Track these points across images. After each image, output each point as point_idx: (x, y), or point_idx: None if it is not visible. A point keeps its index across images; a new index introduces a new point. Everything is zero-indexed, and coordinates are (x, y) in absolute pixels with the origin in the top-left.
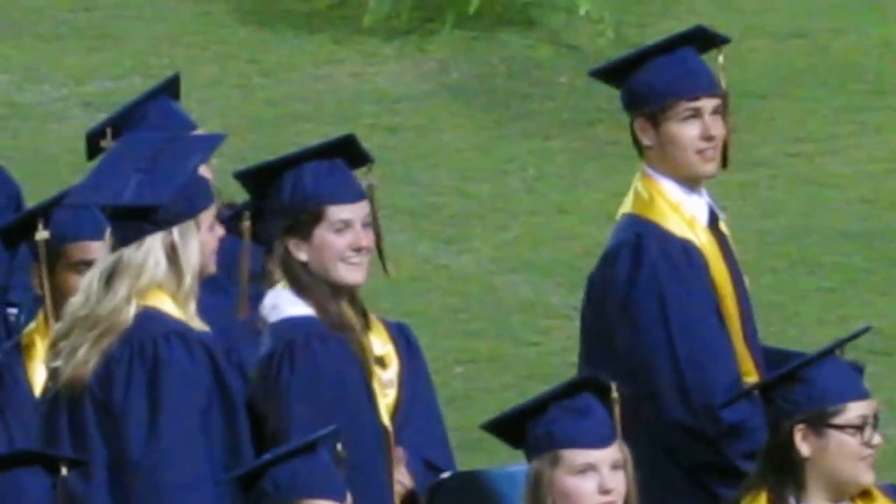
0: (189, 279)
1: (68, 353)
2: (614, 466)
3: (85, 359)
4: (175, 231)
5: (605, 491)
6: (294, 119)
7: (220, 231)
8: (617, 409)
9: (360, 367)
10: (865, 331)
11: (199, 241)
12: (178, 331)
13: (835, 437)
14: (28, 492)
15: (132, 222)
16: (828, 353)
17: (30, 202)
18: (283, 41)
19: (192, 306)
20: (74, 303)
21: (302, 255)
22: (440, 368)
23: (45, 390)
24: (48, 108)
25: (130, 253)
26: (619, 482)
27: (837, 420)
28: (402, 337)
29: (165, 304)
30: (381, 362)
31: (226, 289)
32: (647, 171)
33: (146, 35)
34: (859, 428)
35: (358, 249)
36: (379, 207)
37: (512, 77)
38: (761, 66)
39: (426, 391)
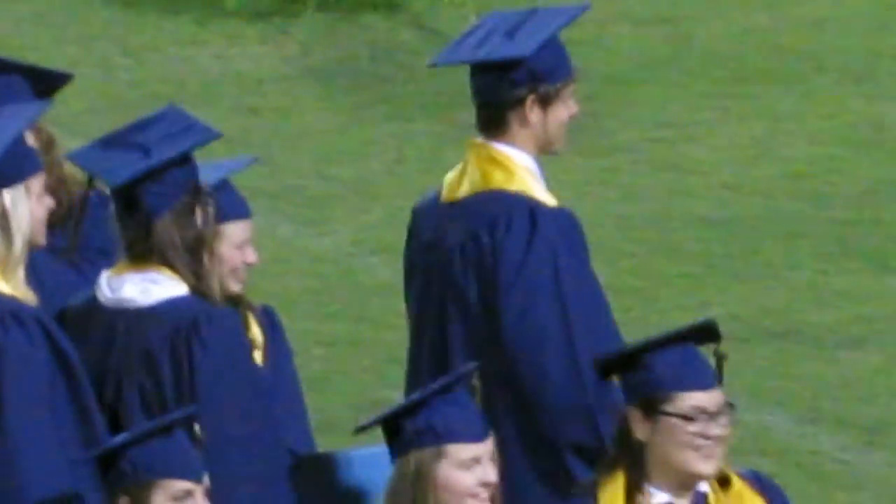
0: (20, 245)
1: None
2: (491, 459)
3: None
4: (5, 195)
5: (485, 483)
6: (157, 100)
7: (49, 201)
8: (478, 399)
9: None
10: (710, 323)
11: (31, 210)
12: (12, 311)
13: (665, 423)
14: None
15: None
16: (667, 340)
17: None
18: (146, 22)
19: (21, 275)
20: None
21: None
22: (300, 350)
23: None
24: None
25: None
26: (494, 474)
27: (668, 407)
28: (267, 320)
29: None
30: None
31: (95, 262)
32: (499, 147)
33: (9, 15)
34: (690, 417)
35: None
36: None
37: (374, 60)
38: (624, 51)
39: (290, 374)
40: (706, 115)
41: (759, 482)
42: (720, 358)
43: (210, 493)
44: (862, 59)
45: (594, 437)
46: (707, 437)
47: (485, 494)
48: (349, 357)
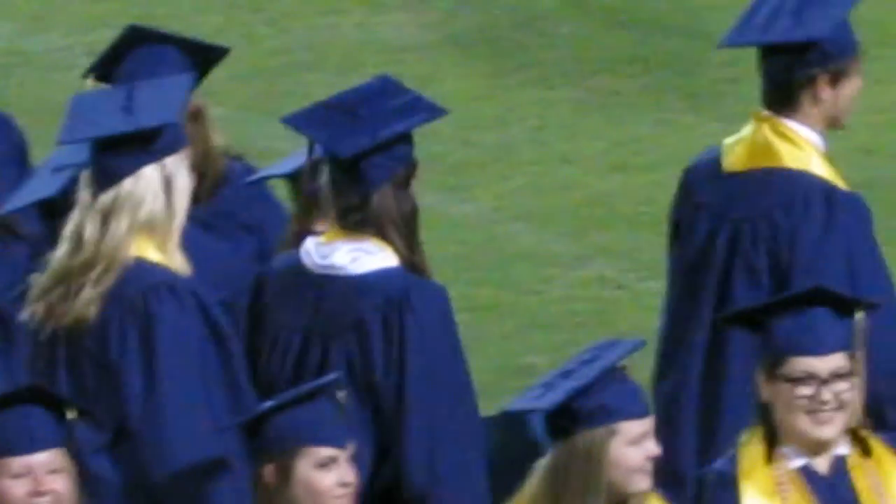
0: (179, 218)
1: (70, 295)
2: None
3: (89, 298)
4: (169, 164)
5: (651, 457)
6: (298, 68)
7: (191, 176)
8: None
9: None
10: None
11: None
12: (167, 282)
13: (781, 386)
14: (36, 428)
15: (127, 154)
16: (789, 302)
17: (34, 151)
18: None
19: (175, 242)
20: (60, 252)
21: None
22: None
23: (37, 331)
24: (53, 56)
25: (127, 188)
26: (656, 447)
27: (782, 370)
28: None
29: (150, 252)
30: None
31: (236, 237)
32: (790, 124)
33: None
34: (800, 381)
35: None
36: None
37: (515, 27)
38: None
39: None
40: None
41: None
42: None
43: (356, 459)
44: None
45: None
46: (820, 402)
47: (650, 468)
48: (493, 322)
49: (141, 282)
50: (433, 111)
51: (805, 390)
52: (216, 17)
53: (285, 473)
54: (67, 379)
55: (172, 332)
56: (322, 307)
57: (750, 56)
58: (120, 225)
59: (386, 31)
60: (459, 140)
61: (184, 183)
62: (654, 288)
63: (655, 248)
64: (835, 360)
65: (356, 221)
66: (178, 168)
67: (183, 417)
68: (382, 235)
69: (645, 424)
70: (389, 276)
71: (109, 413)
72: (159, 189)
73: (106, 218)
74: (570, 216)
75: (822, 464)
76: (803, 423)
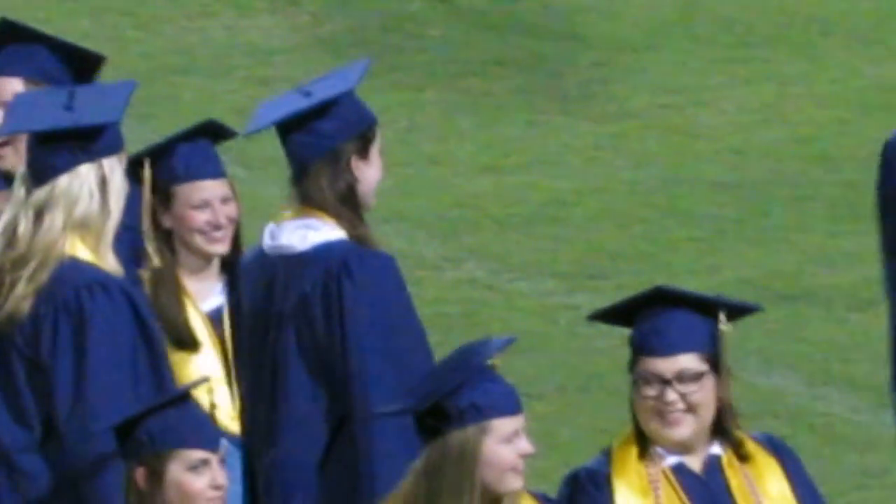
0: (115, 215)
1: (5, 291)
2: (526, 430)
3: (22, 295)
4: (105, 165)
5: (524, 454)
6: (168, 72)
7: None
8: None
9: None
10: (660, 288)
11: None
12: (99, 280)
13: (635, 386)
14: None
15: (65, 151)
16: (648, 299)
17: None
18: None
19: (109, 244)
20: None
21: (358, 174)
22: None
23: None
24: None
25: (63, 184)
26: (530, 444)
27: (635, 370)
28: None
29: (81, 251)
30: None
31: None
32: None
33: None
34: (647, 381)
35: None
36: None
37: (384, 29)
38: (633, 18)
39: None
40: (715, 80)
41: (772, 445)
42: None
43: (223, 462)
44: (869, 22)
45: None
46: (665, 402)
47: (521, 465)
48: None
49: (74, 280)
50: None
51: (650, 391)
52: (85, 21)
53: (157, 476)
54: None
55: (105, 331)
56: (274, 288)
57: (619, 57)
58: (55, 221)
59: (255, 33)
60: None
61: (119, 184)
62: (525, 289)
63: (525, 249)
64: (682, 362)
65: (299, 199)
66: (115, 169)
67: (111, 417)
68: (325, 211)
69: (516, 422)
70: (331, 248)
71: (39, 410)
72: (95, 188)
73: (40, 213)
74: (439, 218)
75: (695, 463)
76: (653, 423)
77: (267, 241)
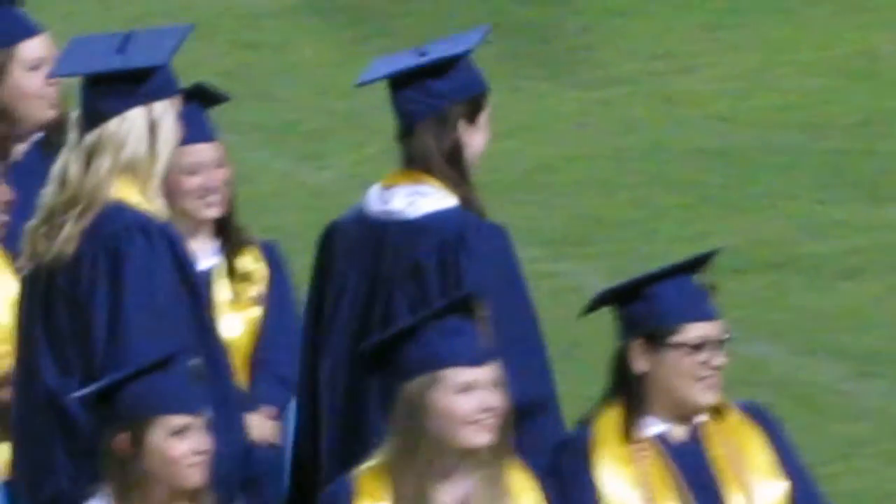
0: (163, 159)
1: (54, 233)
2: (494, 384)
3: (69, 236)
4: (156, 108)
5: (486, 408)
6: None
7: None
8: (487, 330)
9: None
10: (712, 254)
11: (176, 133)
12: (140, 223)
13: (670, 355)
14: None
15: (115, 95)
16: (671, 272)
17: None
18: None
19: (156, 187)
20: (48, 192)
21: (466, 137)
22: (298, 284)
23: (24, 267)
24: None
25: (112, 128)
26: (498, 400)
27: (673, 339)
28: (271, 256)
29: (131, 195)
30: (249, 278)
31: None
32: None
33: None
34: (696, 348)
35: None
36: None
37: None
38: None
39: (290, 310)
40: (701, 46)
41: (755, 413)
42: (712, 288)
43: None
44: None
45: None
46: (711, 367)
47: (488, 420)
48: None
49: (116, 222)
50: (472, 40)
51: (700, 357)
52: None
53: (138, 442)
54: (41, 317)
55: (141, 273)
56: (383, 253)
57: (605, 23)
58: (102, 164)
59: None
60: (315, 107)
61: (169, 128)
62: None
63: (510, 216)
64: (720, 324)
65: (405, 160)
66: (165, 114)
67: (146, 360)
68: (431, 173)
69: (474, 373)
70: (445, 218)
71: (79, 355)
72: (144, 132)
73: (90, 157)
74: None
75: (678, 432)
76: (694, 389)
77: (376, 205)
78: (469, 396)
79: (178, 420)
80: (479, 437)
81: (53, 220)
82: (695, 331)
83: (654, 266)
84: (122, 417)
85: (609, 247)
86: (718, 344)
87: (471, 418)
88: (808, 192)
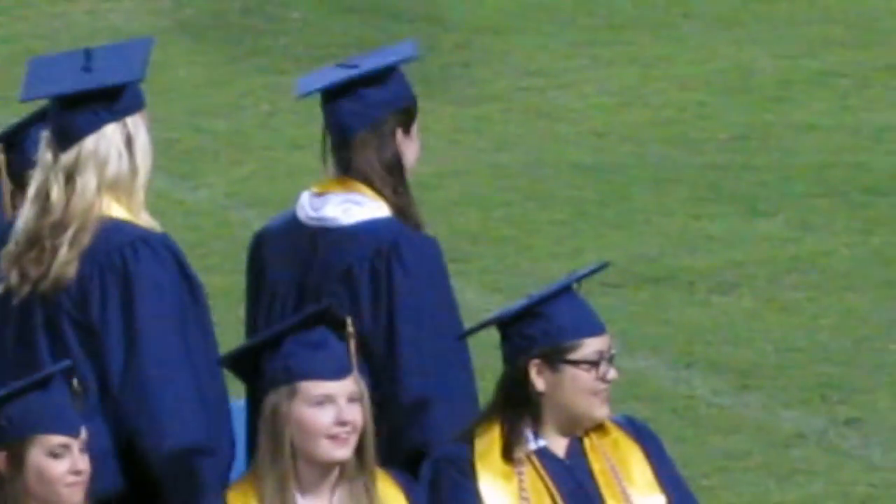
0: (143, 173)
1: (46, 259)
2: (350, 399)
3: (67, 259)
4: (130, 123)
5: (341, 422)
6: (29, 56)
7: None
8: (352, 343)
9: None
10: (603, 266)
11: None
12: (142, 236)
13: (569, 372)
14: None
15: (89, 113)
16: (564, 289)
17: None
18: None
19: (142, 200)
20: (28, 214)
21: (402, 148)
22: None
23: (9, 298)
24: None
25: (90, 146)
26: (356, 414)
27: (572, 356)
28: None
29: (117, 211)
30: None
31: None
32: None
33: None
34: (594, 363)
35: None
36: None
37: (246, 13)
38: (495, 1)
39: None
40: (576, 62)
41: (633, 428)
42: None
43: (88, 447)
44: (730, 4)
45: None
46: (606, 381)
47: (344, 434)
48: (227, 309)
49: (116, 238)
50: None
51: (597, 372)
52: None
53: (17, 461)
54: (47, 343)
55: (151, 286)
56: (315, 260)
57: (480, 40)
58: (88, 183)
59: (117, 17)
60: (191, 126)
61: (144, 142)
62: None
63: None
64: (609, 338)
65: (341, 170)
66: (139, 127)
67: (165, 376)
68: (370, 184)
69: (333, 387)
70: (380, 226)
71: (93, 375)
72: (123, 148)
73: (71, 177)
74: None
75: (560, 447)
76: (591, 404)
77: (307, 212)
78: (326, 410)
79: (56, 440)
80: (337, 450)
81: (41, 244)
82: (592, 346)
83: (530, 282)
84: (2, 436)
85: (485, 263)
86: (611, 358)
87: (328, 431)
88: (684, 206)
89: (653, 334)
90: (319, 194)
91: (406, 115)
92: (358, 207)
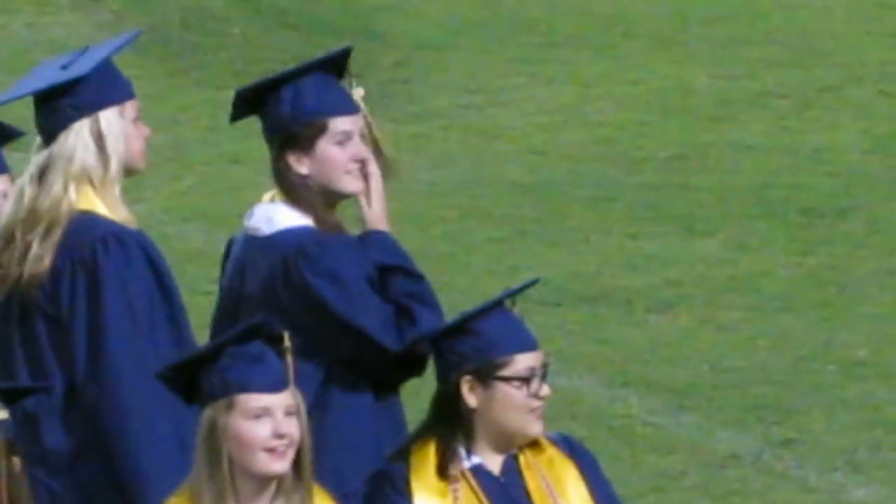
0: (115, 165)
1: (19, 255)
2: (288, 412)
3: (39, 254)
4: (101, 117)
5: (278, 435)
6: None
7: (145, 130)
8: (289, 357)
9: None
10: (534, 283)
11: (126, 133)
12: (114, 232)
13: (501, 388)
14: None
15: (59, 111)
16: (495, 305)
17: None
18: None
19: (118, 194)
20: (5, 212)
21: (303, 169)
22: None
23: None
24: None
25: (59, 145)
26: (293, 427)
27: (504, 372)
28: None
29: (98, 206)
30: None
31: None
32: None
33: None
34: (526, 380)
35: (360, 161)
36: (371, 117)
37: (186, 27)
38: (434, 18)
39: None
40: (515, 80)
41: (568, 446)
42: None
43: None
44: (670, 24)
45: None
46: (540, 398)
47: (281, 447)
48: None
49: (89, 233)
50: None
51: (530, 388)
52: None
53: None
54: (19, 338)
55: (119, 284)
56: (245, 269)
57: (420, 57)
58: (55, 179)
59: (57, 30)
60: None
61: (117, 134)
62: None
63: None
64: (542, 354)
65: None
66: (113, 121)
67: (130, 373)
68: (286, 194)
69: (269, 399)
70: (293, 234)
71: (62, 369)
72: (89, 140)
73: (43, 173)
74: (239, 217)
75: (494, 464)
76: (525, 421)
77: (246, 221)
78: (263, 423)
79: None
80: (274, 464)
81: (15, 241)
82: (523, 362)
83: (468, 299)
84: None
85: None
86: (543, 374)
87: (266, 444)
88: (621, 225)
89: (589, 353)
90: (256, 205)
91: (294, 139)
92: (278, 216)
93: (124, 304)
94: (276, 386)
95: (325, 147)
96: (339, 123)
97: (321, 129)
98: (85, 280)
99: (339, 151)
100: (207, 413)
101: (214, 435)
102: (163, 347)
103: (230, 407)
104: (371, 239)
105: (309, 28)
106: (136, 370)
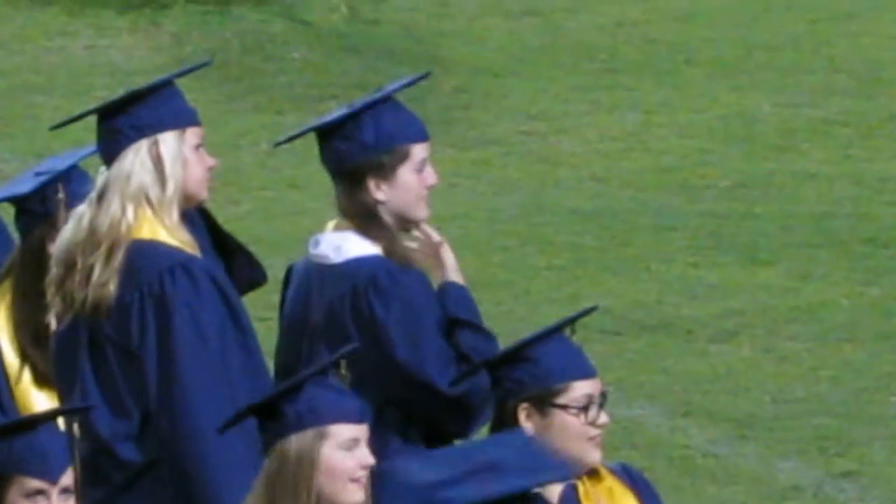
0: (172, 186)
1: (81, 279)
2: (367, 443)
3: (102, 280)
4: (160, 139)
5: (364, 466)
6: (27, 91)
7: (209, 160)
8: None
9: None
10: (591, 310)
11: (186, 157)
12: (182, 262)
13: (559, 416)
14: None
15: (118, 133)
16: (553, 332)
17: None
18: (16, 12)
19: (176, 218)
20: (64, 237)
21: (380, 195)
22: None
23: (59, 320)
24: None
25: (117, 166)
26: (371, 458)
27: (561, 399)
28: None
29: (158, 232)
30: None
31: None
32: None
33: None
34: (583, 408)
35: (430, 187)
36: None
37: (245, 51)
38: (495, 43)
39: None
40: (577, 107)
41: (629, 476)
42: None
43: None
44: (733, 51)
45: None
46: (598, 426)
47: (364, 478)
48: None
49: (155, 263)
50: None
51: (588, 416)
52: None
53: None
54: (90, 365)
55: (189, 315)
56: (310, 297)
57: (480, 83)
58: (112, 199)
59: (115, 54)
60: None
61: (174, 156)
62: None
63: None
64: (601, 384)
65: (342, 211)
66: (171, 143)
67: (203, 402)
68: (355, 224)
69: (357, 430)
70: (363, 263)
71: (136, 398)
72: (147, 160)
73: (102, 196)
74: (298, 242)
75: (552, 493)
76: (583, 448)
77: (311, 249)
78: (352, 453)
79: (33, 484)
80: (358, 494)
81: (76, 265)
82: (581, 389)
83: (527, 327)
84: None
85: (482, 308)
86: (601, 402)
87: (353, 475)
88: (682, 254)
89: (650, 382)
90: (321, 232)
91: (378, 166)
92: (348, 244)
93: (195, 334)
94: (363, 416)
95: (406, 174)
96: (420, 150)
97: (404, 156)
98: (154, 312)
99: (417, 178)
100: (292, 444)
101: (302, 465)
102: (236, 376)
103: (322, 437)
104: (449, 290)
105: (369, 53)
106: (210, 400)
